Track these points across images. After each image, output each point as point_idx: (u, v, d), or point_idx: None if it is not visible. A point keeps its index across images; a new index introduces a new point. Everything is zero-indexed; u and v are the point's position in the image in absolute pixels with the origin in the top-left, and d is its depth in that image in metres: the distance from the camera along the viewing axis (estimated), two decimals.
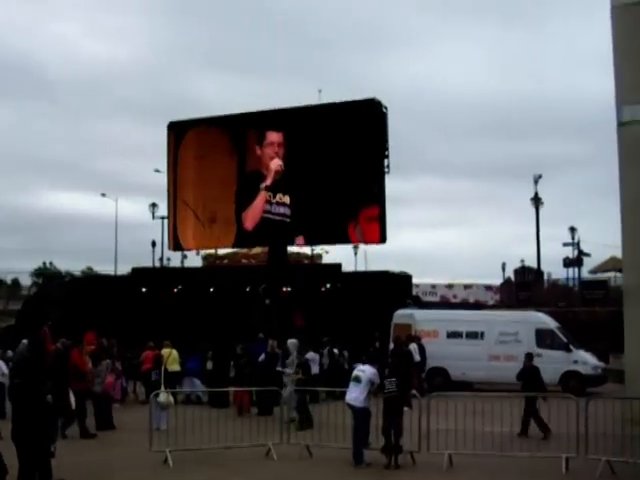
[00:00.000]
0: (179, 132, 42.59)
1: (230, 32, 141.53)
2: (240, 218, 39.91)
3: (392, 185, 37.56)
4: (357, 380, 16.95)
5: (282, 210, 38.99)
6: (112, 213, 75.34)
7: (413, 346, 29.09)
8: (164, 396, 20.50)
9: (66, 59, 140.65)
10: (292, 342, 23.93)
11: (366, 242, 40.03)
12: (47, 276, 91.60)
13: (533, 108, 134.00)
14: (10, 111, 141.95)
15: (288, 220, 38.62)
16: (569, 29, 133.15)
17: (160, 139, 43.77)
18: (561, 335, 30.42)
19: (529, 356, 21.79)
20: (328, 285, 36.66)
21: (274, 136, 39.90)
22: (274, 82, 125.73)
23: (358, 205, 37.12)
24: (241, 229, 39.92)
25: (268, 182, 39.45)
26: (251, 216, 39.94)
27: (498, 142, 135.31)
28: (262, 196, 39.64)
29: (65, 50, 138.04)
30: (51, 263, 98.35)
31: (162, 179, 44.52)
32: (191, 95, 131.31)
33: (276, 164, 39.45)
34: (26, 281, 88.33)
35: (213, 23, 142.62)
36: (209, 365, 27.37)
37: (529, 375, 20.85)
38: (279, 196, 39.10)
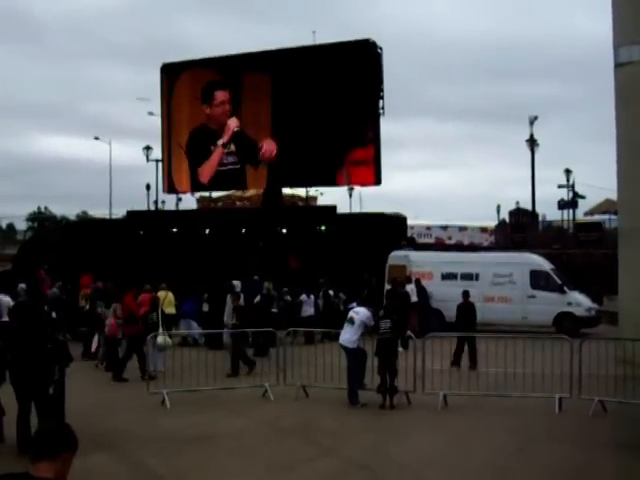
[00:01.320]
0: (172, 74, 42.22)
1: None
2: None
3: (385, 127, 37.31)
4: (351, 322, 17.07)
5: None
6: (106, 157, 75.12)
7: (411, 287, 29.21)
8: (162, 338, 20.66)
9: (53, 1, 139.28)
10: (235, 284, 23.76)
11: (361, 184, 40.04)
12: (42, 220, 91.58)
13: (527, 50, 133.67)
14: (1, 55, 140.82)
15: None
16: None
17: (151, 81, 43.56)
18: (555, 277, 30.55)
19: (466, 293, 22.20)
20: (323, 227, 36.63)
21: (221, 95, 40.08)
22: (267, 24, 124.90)
23: (351, 147, 36.97)
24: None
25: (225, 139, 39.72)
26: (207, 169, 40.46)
27: (492, 84, 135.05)
28: (218, 151, 39.98)
29: None
30: (46, 208, 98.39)
31: (156, 122, 44.38)
32: (182, 38, 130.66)
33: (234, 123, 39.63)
34: (21, 226, 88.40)
35: None
36: (205, 307, 27.50)
37: (465, 312, 21.35)
38: None
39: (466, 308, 22.39)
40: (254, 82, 39.51)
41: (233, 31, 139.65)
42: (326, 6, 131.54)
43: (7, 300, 23.08)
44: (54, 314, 22.44)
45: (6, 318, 20.68)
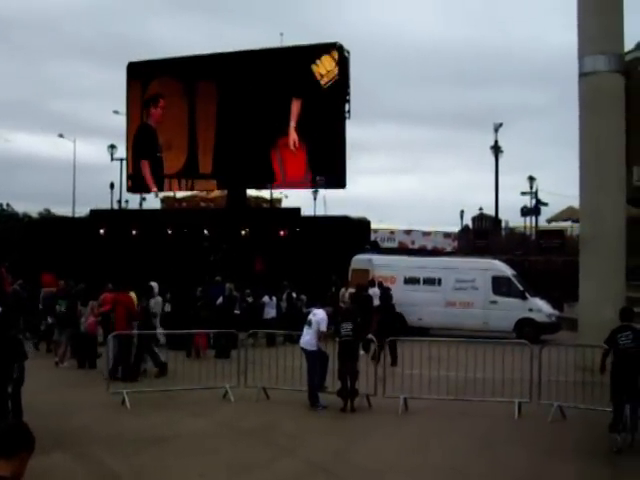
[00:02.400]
0: (136, 73, 42.10)
1: None
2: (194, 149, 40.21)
3: (350, 131, 37.43)
4: (309, 324, 17.09)
5: None
6: (70, 155, 74.53)
7: (374, 290, 29.25)
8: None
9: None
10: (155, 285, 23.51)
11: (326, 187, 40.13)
12: (4, 218, 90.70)
13: (492, 56, 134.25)
14: None
15: None
16: None
17: (114, 80, 43.48)
18: (517, 283, 30.74)
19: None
20: (287, 229, 36.65)
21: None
22: (230, 25, 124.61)
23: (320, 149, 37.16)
24: (193, 157, 40.19)
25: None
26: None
27: (456, 90, 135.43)
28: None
29: None
30: (8, 205, 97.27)
31: (120, 120, 44.21)
32: (150, 37, 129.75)
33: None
34: None
35: None
36: (167, 307, 27.36)
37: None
38: None
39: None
40: (207, 90, 39.76)
41: (201, 31, 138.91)
42: (293, 10, 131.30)
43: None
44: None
45: None
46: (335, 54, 37.13)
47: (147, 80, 41.79)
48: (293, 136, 37.68)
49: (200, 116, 40.03)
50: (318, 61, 37.13)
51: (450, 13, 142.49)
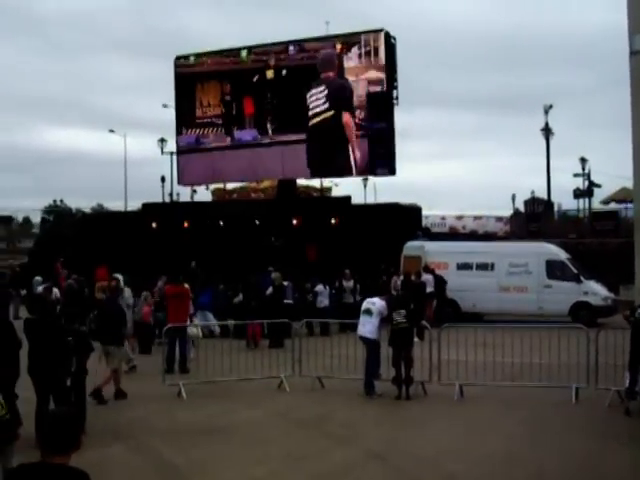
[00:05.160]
0: (185, 65, 42.23)
1: None
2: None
3: (398, 117, 37.21)
4: (368, 313, 17.03)
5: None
6: (120, 149, 75.04)
7: (427, 277, 29.15)
8: (194, 329, 21.15)
9: None
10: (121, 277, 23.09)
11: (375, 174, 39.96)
12: (58, 214, 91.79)
13: (540, 39, 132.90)
14: (4, 49, 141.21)
15: None
16: None
17: (161, 74, 43.62)
18: (571, 266, 30.43)
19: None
20: (338, 218, 36.58)
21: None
22: (271, 14, 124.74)
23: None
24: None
25: None
26: None
27: (503, 73, 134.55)
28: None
29: None
30: (62, 201, 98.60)
31: (170, 113, 44.43)
32: (191, 29, 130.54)
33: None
34: (37, 219, 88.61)
35: None
36: (239, 297, 27.50)
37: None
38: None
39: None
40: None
41: (243, 22, 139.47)
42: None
43: (55, 291, 23.36)
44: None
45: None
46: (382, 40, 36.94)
47: (189, 69, 41.79)
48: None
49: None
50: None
51: None
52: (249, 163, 39.41)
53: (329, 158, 37.21)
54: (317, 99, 37.44)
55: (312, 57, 38.06)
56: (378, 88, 36.60)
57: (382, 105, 36.64)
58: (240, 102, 40.12)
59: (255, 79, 39.53)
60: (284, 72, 38.89)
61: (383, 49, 36.83)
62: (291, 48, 38.71)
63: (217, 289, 28.19)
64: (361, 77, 36.82)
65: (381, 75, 36.61)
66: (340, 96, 36.90)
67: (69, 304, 17.04)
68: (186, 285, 21.93)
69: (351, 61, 37.11)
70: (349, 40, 37.29)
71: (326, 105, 37.19)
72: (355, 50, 37.03)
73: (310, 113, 37.44)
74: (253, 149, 39.64)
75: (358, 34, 37.77)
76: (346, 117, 36.69)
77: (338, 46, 37.38)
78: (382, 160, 37.00)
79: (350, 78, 36.93)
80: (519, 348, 16.32)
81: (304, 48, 38.41)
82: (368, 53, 36.88)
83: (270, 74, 39.13)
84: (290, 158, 38.33)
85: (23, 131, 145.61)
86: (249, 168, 39.65)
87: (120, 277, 22.52)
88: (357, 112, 36.80)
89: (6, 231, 63.03)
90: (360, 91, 36.75)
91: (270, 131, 39.31)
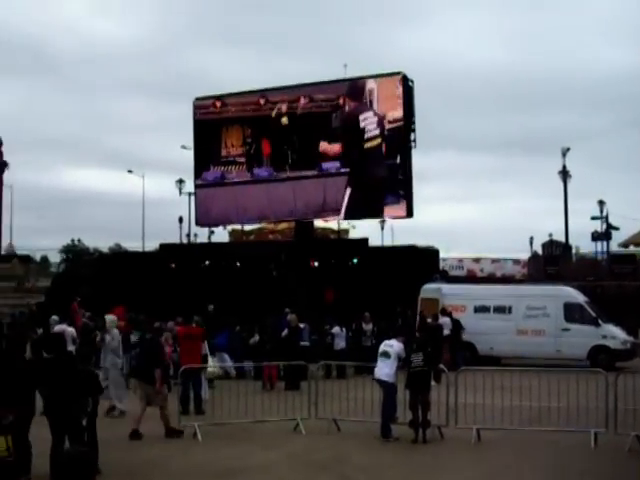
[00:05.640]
0: (205, 108, 42.59)
1: (242, 8, 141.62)
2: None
3: (415, 159, 37.56)
4: (386, 355, 16.95)
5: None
6: (137, 189, 75.64)
7: (444, 320, 29.03)
8: (212, 368, 21.28)
9: (75, 37, 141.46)
10: (110, 318, 23.08)
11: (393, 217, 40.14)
12: (75, 253, 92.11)
13: (553, 81, 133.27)
14: (23, 89, 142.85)
15: None
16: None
17: (178, 115, 44.14)
18: (590, 309, 30.25)
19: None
20: (355, 260, 36.59)
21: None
22: (285, 58, 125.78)
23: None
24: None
25: None
26: None
27: (519, 115, 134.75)
28: None
29: (74, 28, 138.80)
30: (79, 240, 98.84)
31: (188, 154, 44.74)
32: (208, 71, 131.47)
33: None
34: (55, 258, 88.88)
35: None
36: (256, 338, 27.52)
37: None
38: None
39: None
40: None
41: (260, 64, 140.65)
42: (345, 40, 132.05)
43: (71, 331, 23.28)
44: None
45: (71, 348, 20.96)
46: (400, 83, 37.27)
47: (214, 119, 42.36)
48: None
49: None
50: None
51: (504, 38, 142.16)
52: (266, 198, 40.87)
53: (372, 195, 37.80)
54: (370, 123, 38.08)
55: (321, 104, 39.72)
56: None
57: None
58: (259, 143, 40.77)
59: (271, 123, 40.88)
60: (298, 115, 40.50)
61: (401, 92, 37.19)
62: (303, 97, 40.41)
63: (233, 330, 28.16)
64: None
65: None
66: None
67: (84, 343, 17.10)
68: (197, 325, 21.97)
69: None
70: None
71: (377, 131, 37.95)
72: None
73: (365, 136, 38.06)
74: (269, 184, 40.84)
75: (376, 77, 38.15)
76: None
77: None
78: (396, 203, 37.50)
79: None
80: (537, 392, 16.19)
81: (313, 97, 40.13)
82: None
83: (285, 120, 40.61)
84: (302, 193, 39.98)
85: (41, 171, 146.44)
86: (266, 204, 40.99)
87: (111, 318, 22.46)
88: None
89: (24, 270, 63.17)
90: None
91: (285, 168, 40.84)
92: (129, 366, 25.03)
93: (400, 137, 37.46)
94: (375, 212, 39.48)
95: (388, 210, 38.78)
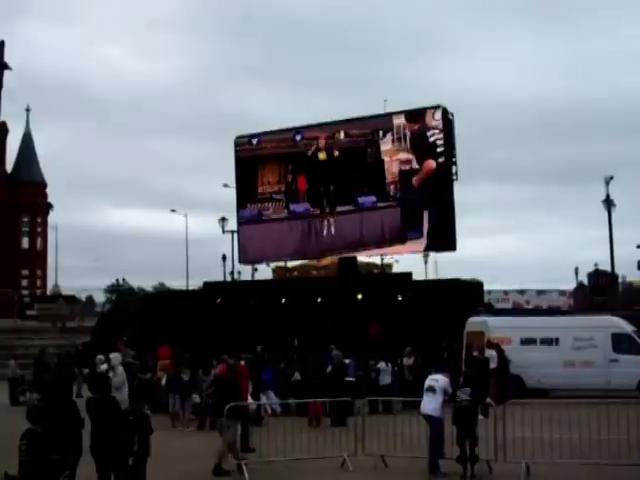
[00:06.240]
0: (247, 145, 42.91)
1: (274, 46, 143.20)
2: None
3: (458, 192, 37.53)
4: (432, 390, 16.81)
5: None
6: (180, 229, 76.40)
7: (491, 353, 28.76)
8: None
9: (114, 79, 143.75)
10: (115, 356, 22.89)
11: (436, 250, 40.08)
12: (120, 292, 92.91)
13: (593, 108, 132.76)
14: (65, 131, 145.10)
15: None
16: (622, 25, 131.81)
17: (218, 153, 44.49)
18: (638, 339, 29.87)
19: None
20: (400, 294, 36.46)
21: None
22: (314, 93, 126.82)
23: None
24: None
25: None
26: None
27: (560, 144, 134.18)
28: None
29: (112, 70, 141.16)
30: (124, 280, 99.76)
31: (230, 193, 45.02)
32: (246, 110, 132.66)
33: None
34: (100, 298, 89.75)
35: (257, 37, 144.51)
36: (297, 376, 27.56)
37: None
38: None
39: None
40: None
41: (298, 101, 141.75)
42: (378, 74, 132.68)
43: (117, 356, 23.51)
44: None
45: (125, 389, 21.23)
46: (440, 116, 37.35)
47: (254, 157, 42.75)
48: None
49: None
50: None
51: (543, 66, 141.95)
52: (303, 233, 41.13)
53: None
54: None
55: (358, 139, 40.07)
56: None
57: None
58: (295, 179, 41.06)
59: (307, 159, 41.24)
60: (336, 153, 40.56)
61: (441, 124, 37.29)
62: (341, 132, 40.69)
63: (278, 367, 28.15)
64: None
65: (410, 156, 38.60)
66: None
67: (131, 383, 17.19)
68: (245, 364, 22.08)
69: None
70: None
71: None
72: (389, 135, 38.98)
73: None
74: (306, 220, 41.12)
75: (417, 111, 38.29)
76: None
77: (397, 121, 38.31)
78: (439, 236, 37.41)
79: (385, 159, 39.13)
80: (587, 424, 15.94)
81: (349, 133, 40.41)
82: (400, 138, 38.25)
83: (322, 156, 40.92)
84: (339, 228, 40.09)
85: (85, 212, 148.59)
86: (304, 240, 41.27)
87: (115, 355, 22.53)
88: (392, 187, 38.84)
89: (69, 310, 63.81)
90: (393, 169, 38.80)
91: (324, 204, 40.84)
92: (174, 406, 25.24)
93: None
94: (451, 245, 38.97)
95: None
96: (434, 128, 37.58)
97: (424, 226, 37.42)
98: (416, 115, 38.31)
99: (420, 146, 38.04)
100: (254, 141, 42.77)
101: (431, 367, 20.61)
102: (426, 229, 37.35)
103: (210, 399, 22.32)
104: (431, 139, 37.64)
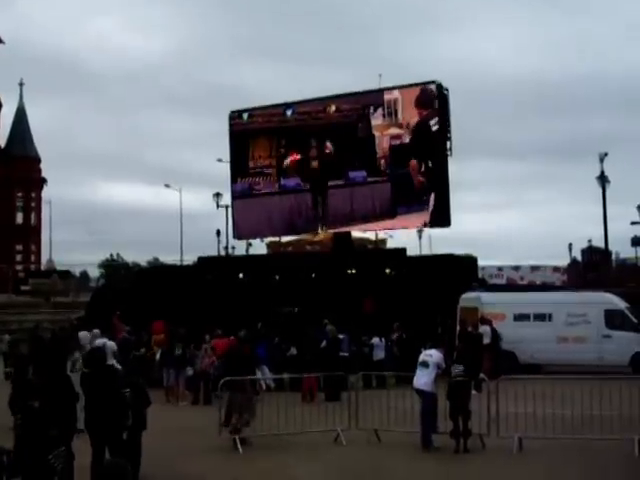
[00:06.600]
0: (238, 119, 42.84)
1: (271, 21, 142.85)
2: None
3: (452, 168, 37.48)
4: (425, 365, 16.89)
5: None
6: (174, 204, 76.00)
7: (484, 328, 28.81)
8: None
9: (109, 53, 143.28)
10: (83, 335, 22.38)
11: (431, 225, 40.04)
12: (114, 267, 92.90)
13: (588, 86, 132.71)
14: (60, 106, 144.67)
15: None
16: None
17: (213, 128, 44.41)
18: (631, 316, 29.94)
19: None
20: (393, 270, 36.46)
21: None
22: (309, 68, 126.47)
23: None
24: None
25: None
26: None
27: (555, 121, 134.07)
28: None
29: (107, 44, 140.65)
30: (118, 255, 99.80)
31: (224, 167, 44.95)
32: (242, 84, 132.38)
33: None
34: (94, 273, 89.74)
35: (252, 12, 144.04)
36: (293, 351, 27.65)
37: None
38: None
39: None
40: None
41: (294, 76, 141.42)
42: (377, 47, 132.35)
43: (112, 345, 23.51)
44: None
45: (111, 362, 21.13)
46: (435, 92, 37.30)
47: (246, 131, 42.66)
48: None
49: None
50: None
51: (540, 44, 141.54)
52: (294, 208, 41.52)
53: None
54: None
55: (348, 113, 40.12)
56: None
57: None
58: (286, 154, 41.17)
59: (298, 134, 41.36)
60: (325, 127, 40.69)
61: (437, 102, 37.26)
62: (332, 106, 40.66)
63: (272, 342, 28.21)
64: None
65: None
66: None
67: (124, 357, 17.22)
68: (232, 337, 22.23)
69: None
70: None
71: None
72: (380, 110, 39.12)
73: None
74: (297, 194, 41.53)
75: (411, 86, 38.20)
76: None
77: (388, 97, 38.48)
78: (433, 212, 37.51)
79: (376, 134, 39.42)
80: (579, 400, 16.01)
81: (340, 108, 40.38)
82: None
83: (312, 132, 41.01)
84: (330, 203, 40.65)
85: (79, 186, 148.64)
86: (295, 214, 41.81)
87: (84, 334, 22.39)
88: (382, 162, 39.09)
89: (64, 285, 63.84)
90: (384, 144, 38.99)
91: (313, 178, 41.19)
92: (168, 380, 25.31)
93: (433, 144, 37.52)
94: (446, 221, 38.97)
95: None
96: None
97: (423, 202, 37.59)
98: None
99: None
100: (245, 115, 42.75)
101: (419, 342, 20.71)
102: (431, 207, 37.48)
103: (217, 372, 22.50)
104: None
